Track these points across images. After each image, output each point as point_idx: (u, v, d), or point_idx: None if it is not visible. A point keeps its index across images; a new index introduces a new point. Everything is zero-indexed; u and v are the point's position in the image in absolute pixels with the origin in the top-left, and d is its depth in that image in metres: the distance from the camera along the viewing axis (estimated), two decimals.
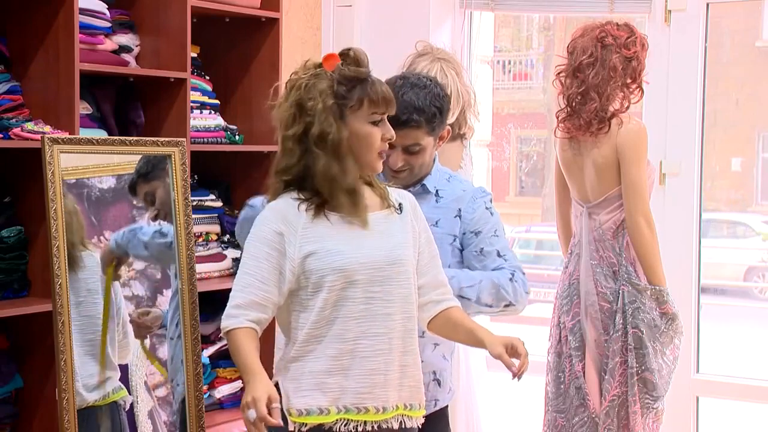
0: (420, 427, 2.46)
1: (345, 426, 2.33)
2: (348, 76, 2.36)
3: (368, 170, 2.41)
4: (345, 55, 2.40)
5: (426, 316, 2.48)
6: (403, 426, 2.39)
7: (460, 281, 2.65)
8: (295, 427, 2.34)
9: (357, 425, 2.34)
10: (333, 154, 2.33)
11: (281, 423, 2.23)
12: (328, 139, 2.32)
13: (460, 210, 2.74)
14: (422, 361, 2.61)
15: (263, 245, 2.35)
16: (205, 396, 3.72)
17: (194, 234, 3.45)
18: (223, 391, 3.93)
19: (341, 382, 2.33)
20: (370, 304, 2.34)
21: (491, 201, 2.80)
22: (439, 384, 2.76)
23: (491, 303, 2.69)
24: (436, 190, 2.75)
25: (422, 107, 2.67)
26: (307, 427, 2.33)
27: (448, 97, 2.77)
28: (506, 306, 2.71)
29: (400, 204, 2.45)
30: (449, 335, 2.53)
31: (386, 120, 2.41)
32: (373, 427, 2.35)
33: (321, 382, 2.33)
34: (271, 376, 2.34)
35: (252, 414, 2.17)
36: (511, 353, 2.39)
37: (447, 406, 2.84)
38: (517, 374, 2.39)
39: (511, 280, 2.69)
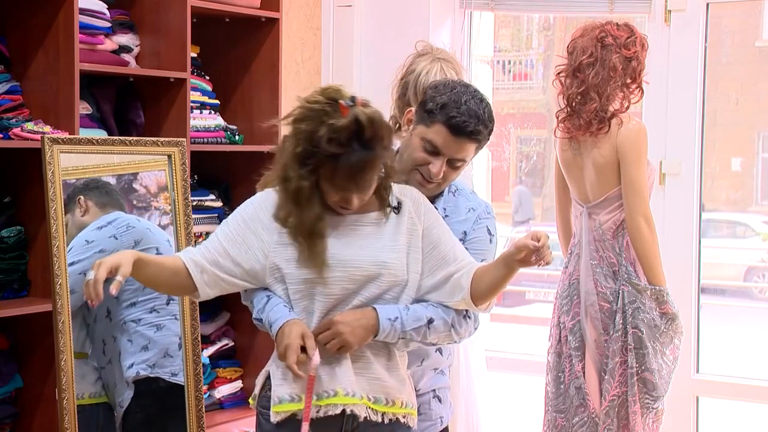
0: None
1: (317, 413, 2.33)
2: None
3: None
4: None
5: (463, 294, 2.38)
6: (368, 418, 2.37)
7: (404, 324, 2.36)
8: (274, 417, 2.35)
9: (327, 409, 2.33)
10: None
11: (112, 293, 2.19)
12: None
13: (465, 233, 2.57)
14: (422, 383, 2.58)
15: (240, 216, 2.40)
16: (205, 396, 3.72)
17: (194, 234, 3.45)
18: (223, 391, 3.93)
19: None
20: (344, 302, 2.35)
21: (494, 222, 2.63)
22: (440, 401, 2.68)
23: (436, 341, 2.45)
24: (444, 208, 2.60)
25: (484, 120, 2.48)
26: (281, 417, 2.34)
27: None
28: (448, 343, 2.51)
29: (399, 203, 2.42)
30: (485, 290, 2.37)
31: None
32: (344, 410, 2.33)
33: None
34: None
35: (91, 274, 2.18)
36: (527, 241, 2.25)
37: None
38: (537, 254, 2.22)
39: (465, 317, 2.43)
